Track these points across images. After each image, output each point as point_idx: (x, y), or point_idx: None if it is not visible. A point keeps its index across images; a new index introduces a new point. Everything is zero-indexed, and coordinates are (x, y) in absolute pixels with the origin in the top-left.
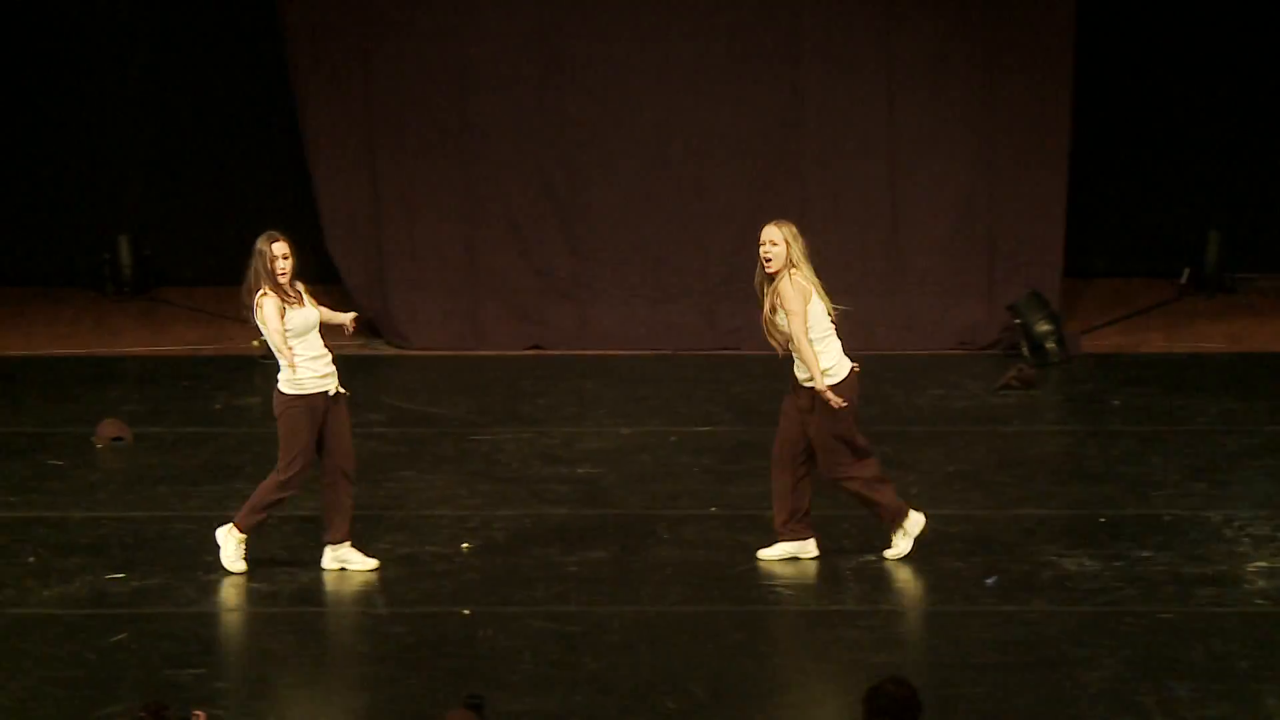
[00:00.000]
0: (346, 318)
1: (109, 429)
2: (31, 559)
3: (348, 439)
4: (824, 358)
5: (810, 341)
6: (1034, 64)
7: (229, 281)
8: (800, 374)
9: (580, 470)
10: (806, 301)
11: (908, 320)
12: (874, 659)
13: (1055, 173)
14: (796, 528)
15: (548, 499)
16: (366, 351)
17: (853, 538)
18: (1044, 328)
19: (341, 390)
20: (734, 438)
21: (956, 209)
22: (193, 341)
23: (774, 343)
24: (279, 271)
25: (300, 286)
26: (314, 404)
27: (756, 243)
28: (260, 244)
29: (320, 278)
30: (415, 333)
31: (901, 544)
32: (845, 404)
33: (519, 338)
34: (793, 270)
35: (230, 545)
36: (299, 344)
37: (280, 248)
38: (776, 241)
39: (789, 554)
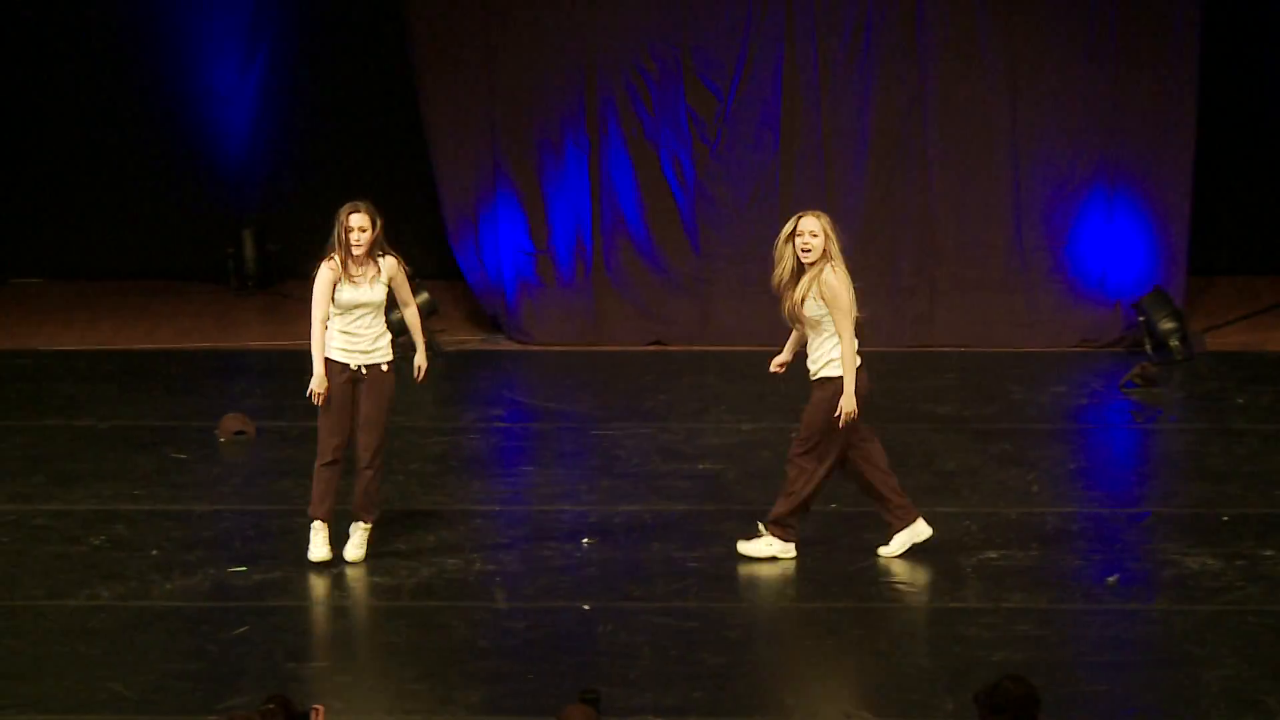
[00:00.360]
0: (419, 358)
1: (232, 423)
2: (155, 552)
3: (374, 415)
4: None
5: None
6: (1159, 59)
7: None
8: (814, 365)
9: (701, 466)
10: (851, 297)
11: (1031, 317)
12: (993, 657)
13: (1180, 169)
14: (901, 512)
15: (668, 494)
16: (488, 347)
17: (973, 535)
18: (1168, 325)
19: (362, 369)
20: None
21: (1080, 205)
22: None
23: (796, 329)
24: (352, 242)
25: (385, 264)
26: (339, 376)
27: (792, 234)
28: (340, 211)
29: (442, 273)
30: (537, 328)
31: (758, 546)
32: (853, 414)
33: (641, 333)
34: (832, 263)
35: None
36: (342, 318)
37: (356, 219)
38: (816, 233)
39: (909, 541)
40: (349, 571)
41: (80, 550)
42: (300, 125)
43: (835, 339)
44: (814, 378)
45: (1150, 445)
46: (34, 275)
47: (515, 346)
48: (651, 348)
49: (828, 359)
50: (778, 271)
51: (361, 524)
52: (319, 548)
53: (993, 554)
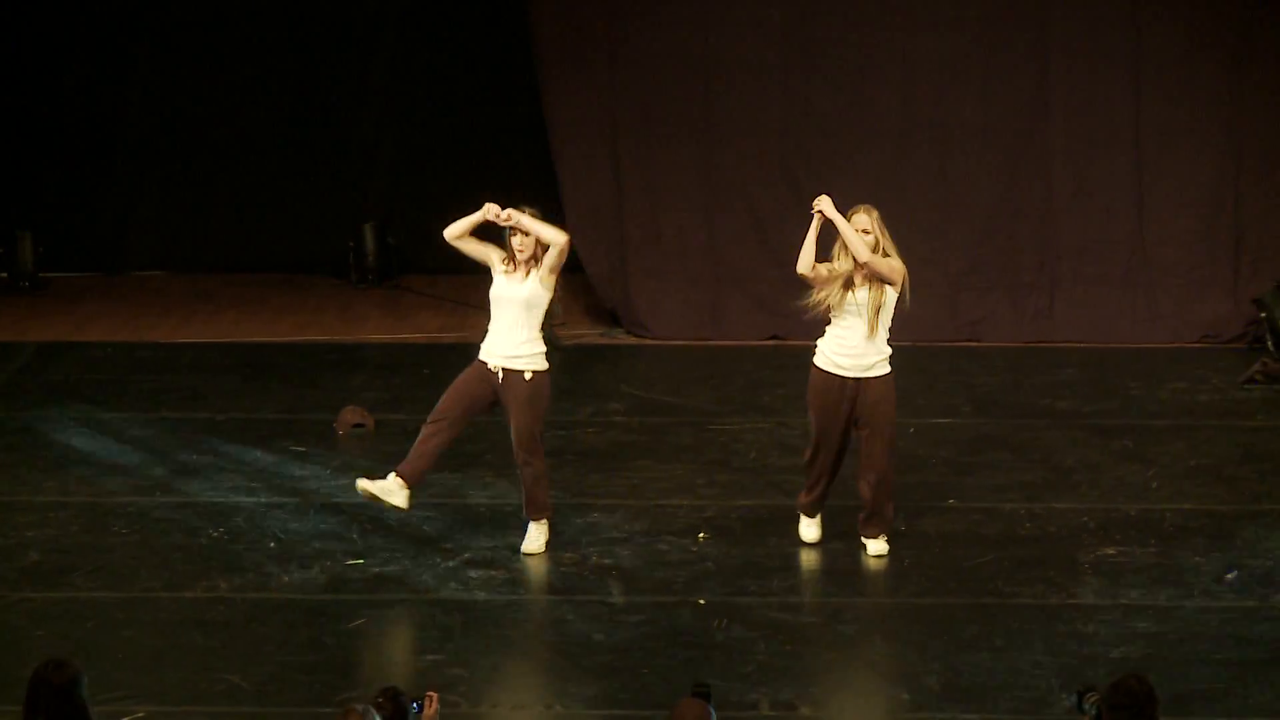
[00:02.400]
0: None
1: (350, 415)
2: (272, 544)
3: (520, 421)
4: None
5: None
6: None
7: (471, 270)
8: (868, 361)
9: None
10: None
11: (1152, 313)
12: (1110, 654)
13: None
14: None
15: (785, 490)
16: (606, 340)
17: (1091, 532)
18: None
19: (500, 373)
20: (973, 429)
21: (1203, 202)
22: (434, 330)
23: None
24: (515, 246)
25: (543, 267)
26: (478, 370)
27: (862, 228)
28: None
29: (563, 266)
30: (655, 322)
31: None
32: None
33: (759, 328)
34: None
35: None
36: (495, 314)
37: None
38: (869, 229)
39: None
40: (465, 566)
41: (199, 542)
42: (422, 119)
43: (887, 332)
44: (869, 375)
45: (1270, 442)
46: (156, 268)
47: (633, 340)
48: (769, 342)
49: (881, 355)
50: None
51: (533, 521)
52: (372, 481)
53: (1111, 550)
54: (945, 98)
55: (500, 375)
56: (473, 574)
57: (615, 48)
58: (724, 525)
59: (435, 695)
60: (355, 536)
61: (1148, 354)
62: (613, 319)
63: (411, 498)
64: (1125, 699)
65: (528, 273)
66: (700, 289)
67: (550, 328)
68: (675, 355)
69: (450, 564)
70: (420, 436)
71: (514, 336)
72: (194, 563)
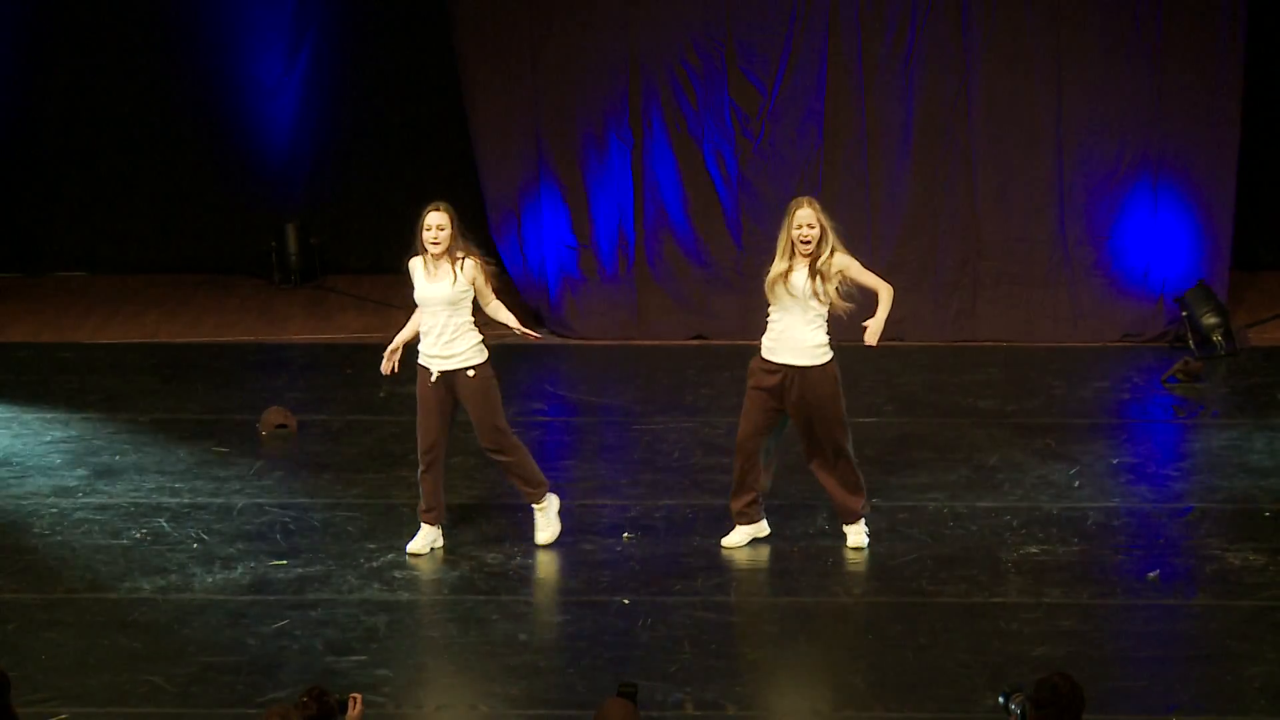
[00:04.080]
0: (518, 326)
1: (274, 416)
2: (196, 545)
3: (476, 417)
4: (824, 333)
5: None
6: (1204, 52)
7: (395, 270)
8: (808, 350)
9: None
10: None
11: (1074, 312)
12: (1033, 652)
13: (1224, 163)
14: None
15: (709, 489)
16: (529, 340)
17: (1014, 530)
18: (1211, 320)
19: (436, 374)
20: (896, 429)
21: (1124, 200)
22: (358, 330)
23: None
24: (429, 241)
25: (467, 262)
26: (423, 378)
27: (801, 223)
28: (422, 212)
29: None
30: (579, 322)
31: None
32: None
33: (683, 328)
34: (836, 251)
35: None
36: (424, 315)
37: (433, 217)
38: (813, 224)
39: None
40: (389, 566)
41: (121, 543)
42: (344, 119)
43: (823, 323)
44: (809, 364)
45: (1192, 440)
46: (77, 269)
47: (557, 340)
48: (693, 342)
49: (821, 346)
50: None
51: (535, 506)
52: (415, 540)
53: (1034, 549)
54: (868, 98)
55: (439, 376)
56: (397, 574)
57: (537, 46)
58: (648, 525)
59: (360, 696)
60: (279, 537)
61: (1070, 353)
62: (536, 319)
63: (443, 531)
64: (1051, 697)
65: (446, 268)
66: (623, 289)
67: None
68: (599, 355)
69: (374, 564)
70: (420, 477)
71: (444, 336)
72: (117, 564)
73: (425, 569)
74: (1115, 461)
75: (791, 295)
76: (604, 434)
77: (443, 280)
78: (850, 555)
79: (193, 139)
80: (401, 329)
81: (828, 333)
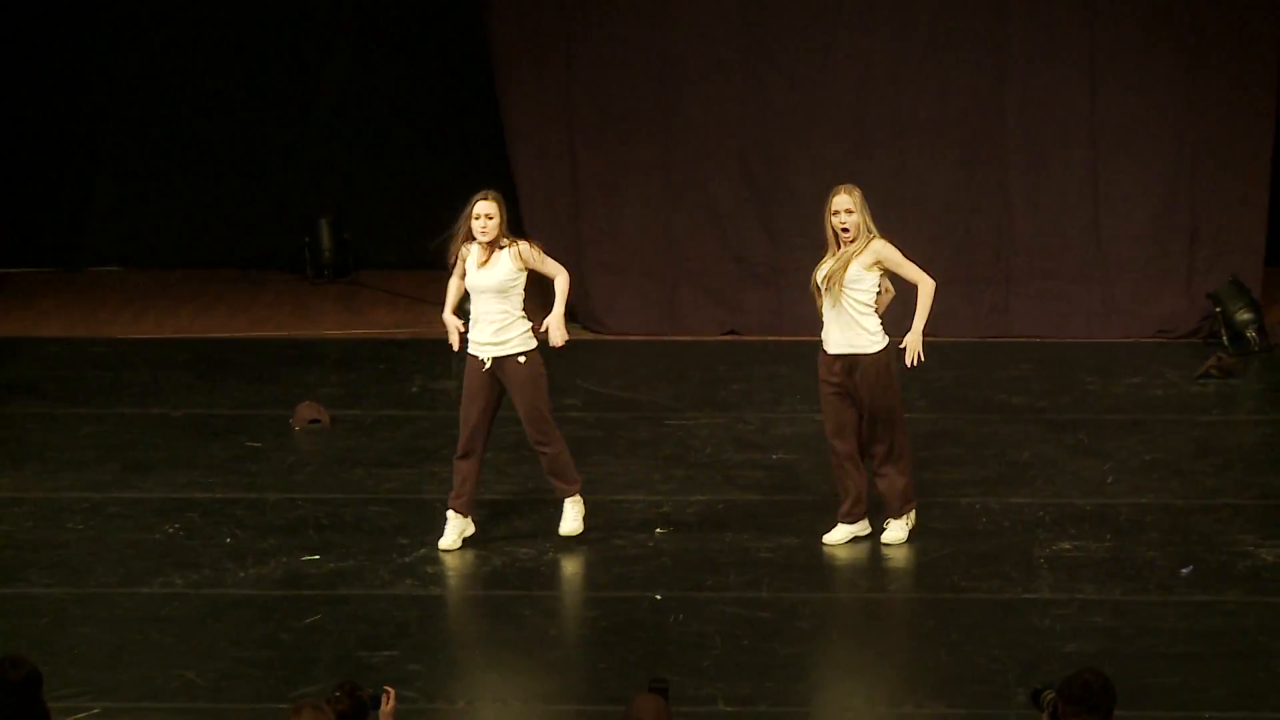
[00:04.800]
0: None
1: (306, 411)
2: (228, 540)
3: (524, 405)
4: (875, 321)
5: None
6: (1238, 50)
7: (427, 266)
8: (855, 343)
9: (774, 456)
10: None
11: (1106, 307)
12: (1065, 648)
13: (1258, 159)
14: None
15: (741, 485)
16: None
17: (1046, 526)
18: (1244, 316)
19: (491, 361)
20: (930, 424)
21: (1158, 196)
22: (390, 325)
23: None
24: (478, 229)
25: (514, 248)
26: (472, 365)
27: (832, 210)
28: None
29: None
30: (612, 317)
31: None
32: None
33: (715, 323)
34: (875, 236)
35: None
36: (474, 303)
37: (482, 205)
38: (853, 210)
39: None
40: (422, 561)
41: (154, 538)
42: (378, 114)
43: (872, 315)
44: (858, 353)
45: (1225, 437)
46: (111, 263)
47: (590, 336)
48: (726, 337)
49: (870, 334)
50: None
51: (567, 499)
52: (444, 535)
53: (1066, 545)
54: (902, 94)
55: (491, 363)
56: (429, 569)
57: (572, 43)
58: (680, 520)
59: (392, 690)
60: (311, 532)
61: (1103, 349)
62: (569, 314)
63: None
64: (1081, 693)
65: (493, 256)
66: (657, 284)
67: None
68: (632, 350)
69: (406, 559)
70: (456, 463)
71: (495, 323)
72: (149, 559)
73: (457, 564)
74: (1148, 457)
75: (836, 285)
76: (636, 429)
77: (493, 268)
78: (885, 551)
79: (227, 134)
80: (444, 311)
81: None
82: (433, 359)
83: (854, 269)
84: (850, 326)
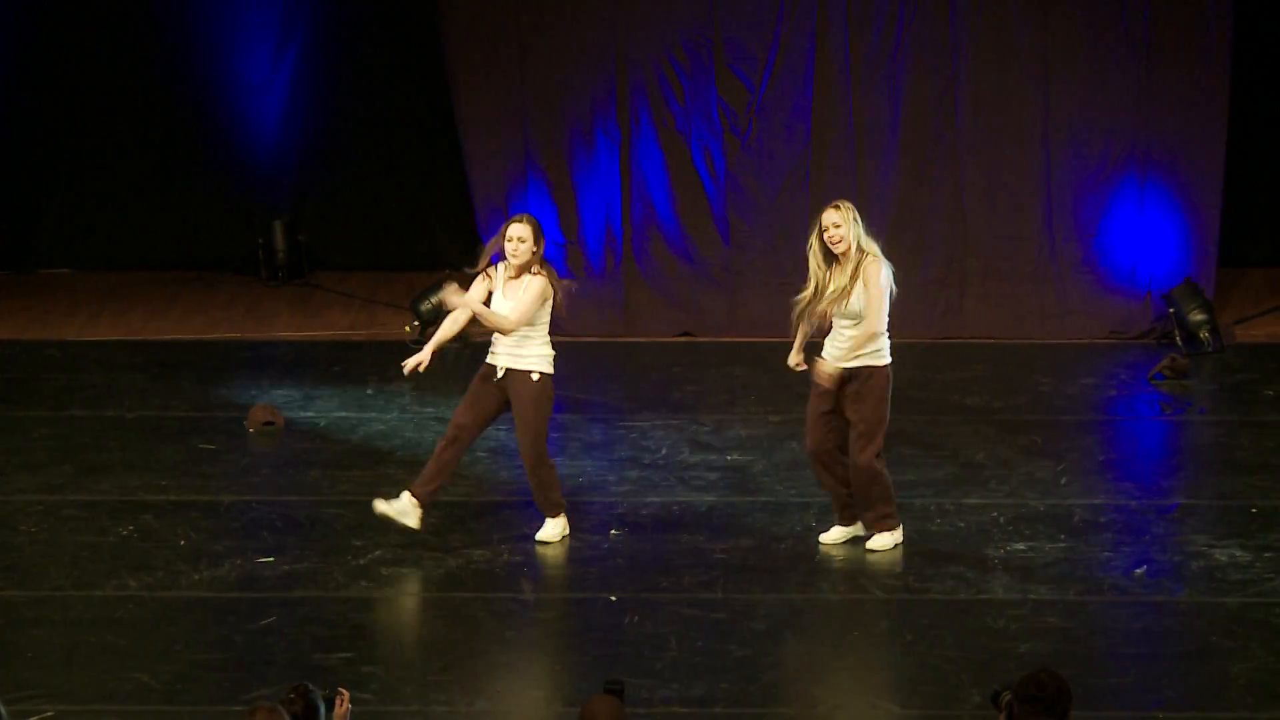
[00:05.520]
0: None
1: (261, 413)
2: (182, 542)
3: (524, 424)
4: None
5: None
6: (1191, 51)
7: (383, 267)
8: (849, 356)
9: (729, 457)
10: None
11: (1060, 308)
12: (1020, 648)
13: (1212, 161)
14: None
15: (696, 486)
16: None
17: (1000, 527)
18: (1198, 317)
19: (504, 371)
20: None
21: (1111, 197)
22: (345, 327)
23: (814, 323)
24: (509, 251)
25: (541, 279)
26: (484, 373)
27: (822, 227)
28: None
29: (474, 264)
30: (566, 319)
31: (886, 540)
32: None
33: (670, 325)
34: (870, 255)
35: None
36: None
37: (515, 229)
38: (840, 223)
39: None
40: (377, 563)
41: (108, 540)
42: (332, 115)
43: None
44: (859, 365)
45: (1179, 437)
46: (64, 265)
47: None
48: (680, 339)
49: (875, 346)
50: (813, 273)
51: (548, 516)
52: (395, 503)
53: (1020, 546)
54: (854, 95)
55: (504, 374)
56: (384, 571)
57: (525, 43)
58: (635, 522)
59: (346, 693)
60: (265, 534)
61: (1057, 350)
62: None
63: (423, 518)
64: (1036, 693)
65: (521, 280)
66: (610, 286)
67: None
68: (586, 352)
69: (361, 561)
70: (436, 451)
71: (516, 338)
72: (103, 561)
73: (412, 566)
74: (1102, 458)
75: (831, 300)
76: (591, 431)
77: (518, 292)
78: (835, 552)
79: (180, 136)
80: (440, 330)
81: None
82: (387, 361)
83: (856, 295)
84: (845, 338)
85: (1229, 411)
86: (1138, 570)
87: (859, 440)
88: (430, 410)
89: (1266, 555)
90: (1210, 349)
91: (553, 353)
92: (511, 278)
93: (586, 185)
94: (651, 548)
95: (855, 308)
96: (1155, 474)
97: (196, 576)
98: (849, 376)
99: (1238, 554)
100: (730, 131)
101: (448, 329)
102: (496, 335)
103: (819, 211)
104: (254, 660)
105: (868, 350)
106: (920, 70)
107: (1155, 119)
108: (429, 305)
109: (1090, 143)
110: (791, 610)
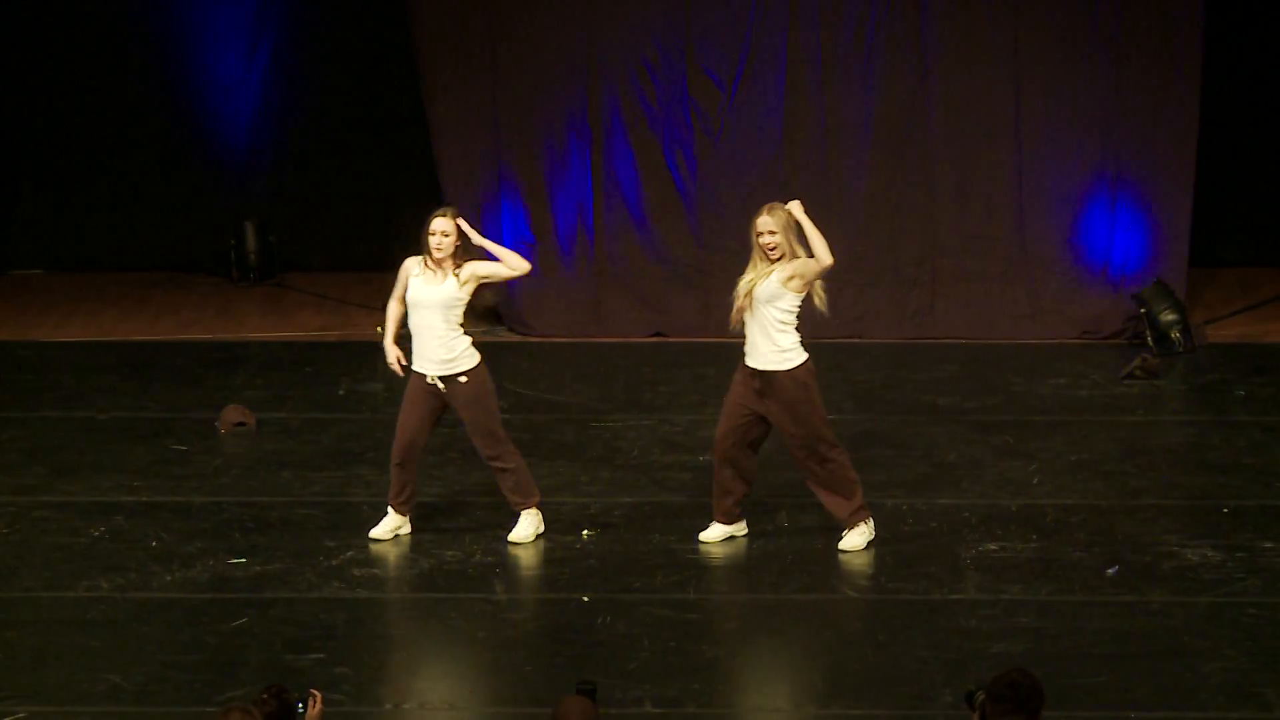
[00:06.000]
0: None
1: (232, 414)
2: (154, 543)
3: (472, 423)
4: (791, 338)
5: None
6: (1162, 51)
7: (354, 268)
8: (774, 358)
9: (701, 458)
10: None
11: (1032, 309)
12: (992, 648)
13: (1182, 160)
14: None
15: (668, 486)
16: (489, 339)
17: (972, 527)
18: (1169, 317)
19: (438, 383)
20: (855, 426)
21: (1082, 197)
22: (317, 328)
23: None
24: (434, 245)
25: (469, 269)
26: (416, 381)
27: (755, 231)
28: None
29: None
30: (538, 320)
31: (857, 539)
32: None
33: (641, 325)
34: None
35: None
36: (414, 317)
37: (439, 223)
38: (776, 230)
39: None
40: (349, 564)
41: (80, 542)
42: (303, 117)
43: (790, 330)
44: (777, 369)
45: (1151, 437)
46: (36, 266)
47: (516, 338)
48: (652, 339)
49: (786, 348)
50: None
51: (521, 511)
52: (380, 525)
53: (992, 546)
54: (826, 95)
55: (436, 381)
56: (356, 572)
57: (496, 43)
58: (607, 522)
59: (319, 694)
60: (237, 535)
61: (1029, 350)
62: (495, 316)
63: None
64: (1008, 692)
65: (444, 273)
66: (582, 286)
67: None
68: (558, 353)
69: (333, 562)
70: (394, 470)
71: (439, 340)
72: (75, 562)
73: (385, 567)
74: (1073, 458)
75: (756, 301)
76: (563, 431)
77: (440, 284)
78: (811, 553)
79: (151, 137)
80: (384, 332)
81: (799, 338)
82: (359, 361)
83: (772, 284)
84: (766, 341)
85: (1200, 411)
86: (1109, 570)
87: (800, 452)
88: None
89: (1238, 555)
90: (1182, 349)
91: (471, 340)
92: (432, 274)
93: (558, 186)
94: (624, 548)
95: (771, 289)
96: (1127, 474)
97: (168, 578)
98: (761, 381)
99: (1209, 554)
100: (702, 131)
101: (392, 322)
102: (416, 338)
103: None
104: (226, 661)
105: (780, 351)
106: (892, 70)
107: (1126, 119)
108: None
109: (1062, 143)
110: (764, 610)
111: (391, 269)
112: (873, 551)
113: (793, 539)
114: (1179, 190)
